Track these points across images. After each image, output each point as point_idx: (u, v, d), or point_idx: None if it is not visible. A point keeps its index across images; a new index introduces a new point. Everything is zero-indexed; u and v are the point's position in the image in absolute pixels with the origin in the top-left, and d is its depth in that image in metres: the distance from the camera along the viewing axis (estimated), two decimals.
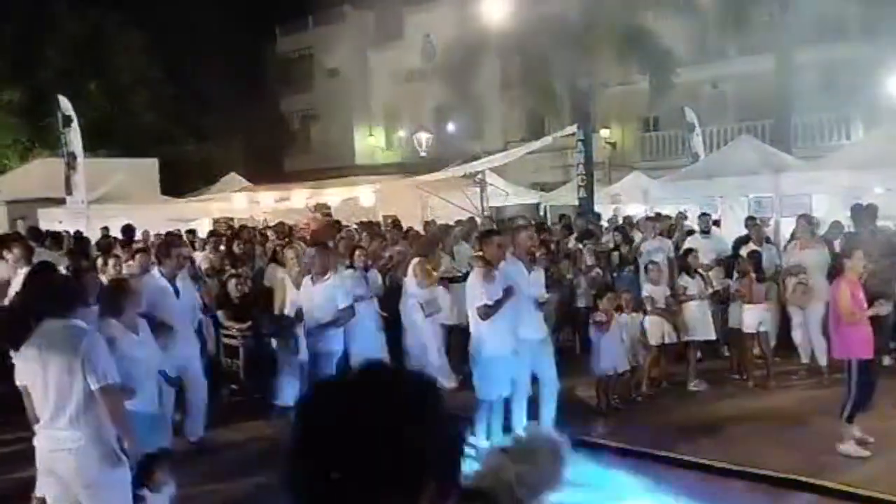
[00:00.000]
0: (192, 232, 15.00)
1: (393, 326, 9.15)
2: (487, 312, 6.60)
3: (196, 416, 7.27)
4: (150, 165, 22.60)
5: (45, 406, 4.23)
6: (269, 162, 32.88)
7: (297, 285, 7.94)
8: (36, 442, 4.33)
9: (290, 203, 18.33)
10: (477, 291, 6.72)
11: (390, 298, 9.36)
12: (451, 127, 30.24)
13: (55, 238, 11.53)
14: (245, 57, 33.14)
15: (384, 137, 36.29)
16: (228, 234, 14.06)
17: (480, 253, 7.19)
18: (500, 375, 6.75)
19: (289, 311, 7.97)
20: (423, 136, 29.29)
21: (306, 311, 7.60)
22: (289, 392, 7.68)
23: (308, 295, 7.64)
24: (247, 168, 25.34)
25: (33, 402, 4.32)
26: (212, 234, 14.71)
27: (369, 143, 36.46)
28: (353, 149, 36.05)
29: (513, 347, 6.74)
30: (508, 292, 6.60)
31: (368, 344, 8.27)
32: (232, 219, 18.34)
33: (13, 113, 27.99)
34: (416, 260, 9.27)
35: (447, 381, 8.87)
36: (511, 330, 6.72)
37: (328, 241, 9.86)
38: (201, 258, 11.19)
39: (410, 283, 9.16)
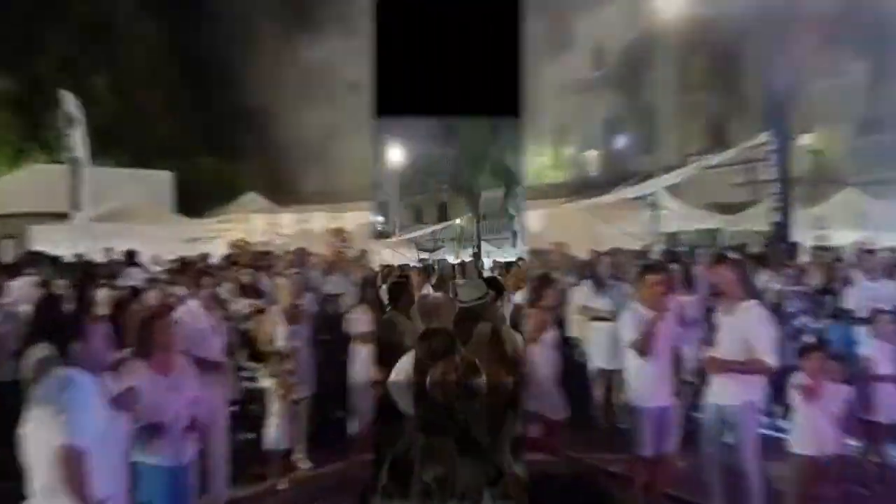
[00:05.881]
0: (205, 257, 14.31)
1: None
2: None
3: (219, 473, 6.75)
4: (164, 180, 23.02)
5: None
6: (290, 181, 32.17)
7: (289, 318, 7.70)
8: None
9: (309, 225, 18.94)
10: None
11: None
12: (621, 141, 29.93)
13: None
14: (274, 62, 32.24)
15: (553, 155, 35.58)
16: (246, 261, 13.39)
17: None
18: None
19: (282, 346, 7.59)
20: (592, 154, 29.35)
21: None
22: (275, 435, 7.45)
23: None
24: (267, 187, 25.37)
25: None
26: (229, 260, 13.92)
27: None
28: None
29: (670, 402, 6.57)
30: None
31: None
32: (249, 242, 18.03)
33: (3, 106, 27.11)
34: None
35: None
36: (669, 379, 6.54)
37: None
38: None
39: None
